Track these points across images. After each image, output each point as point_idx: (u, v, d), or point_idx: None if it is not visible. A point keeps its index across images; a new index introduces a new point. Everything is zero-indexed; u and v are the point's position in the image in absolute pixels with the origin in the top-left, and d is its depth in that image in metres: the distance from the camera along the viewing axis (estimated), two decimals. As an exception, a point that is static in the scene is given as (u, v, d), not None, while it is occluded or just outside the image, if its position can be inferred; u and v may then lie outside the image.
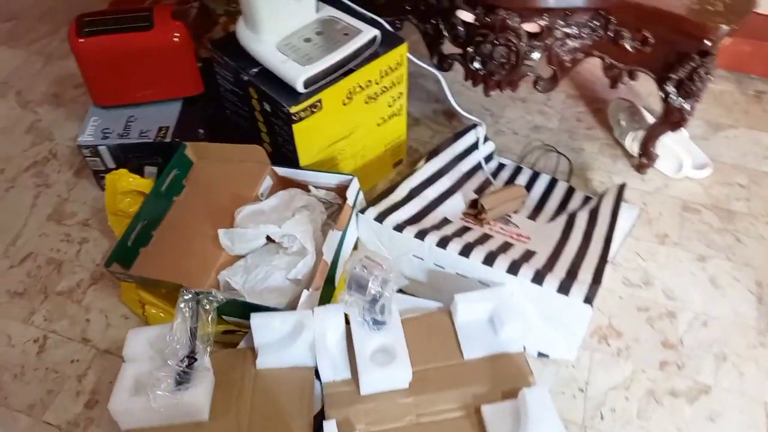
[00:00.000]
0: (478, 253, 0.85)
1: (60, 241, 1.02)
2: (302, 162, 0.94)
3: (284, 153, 0.96)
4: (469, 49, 1.02)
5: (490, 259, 0.84)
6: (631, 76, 1.00)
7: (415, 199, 0.96)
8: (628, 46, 0.96)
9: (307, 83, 0.87)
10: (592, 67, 1.32)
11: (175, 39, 1.00)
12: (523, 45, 0.99)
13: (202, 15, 1.36)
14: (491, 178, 1.10)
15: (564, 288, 0.80)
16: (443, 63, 1.09)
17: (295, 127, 0.89)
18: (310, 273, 0.84)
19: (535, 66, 1.03)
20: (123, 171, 0.94)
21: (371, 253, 0.74)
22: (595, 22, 0.96)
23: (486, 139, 1.13)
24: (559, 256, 0.89)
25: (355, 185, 0.91)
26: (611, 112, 1.20)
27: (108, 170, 1.04)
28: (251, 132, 1.01)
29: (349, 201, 0.89)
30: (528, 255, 0.89)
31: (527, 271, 0.83)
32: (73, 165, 1.13)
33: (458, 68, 1.08)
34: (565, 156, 1.17)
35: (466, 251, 0.85)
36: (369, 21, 0.98)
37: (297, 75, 0.87)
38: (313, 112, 0.89)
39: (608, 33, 0.96)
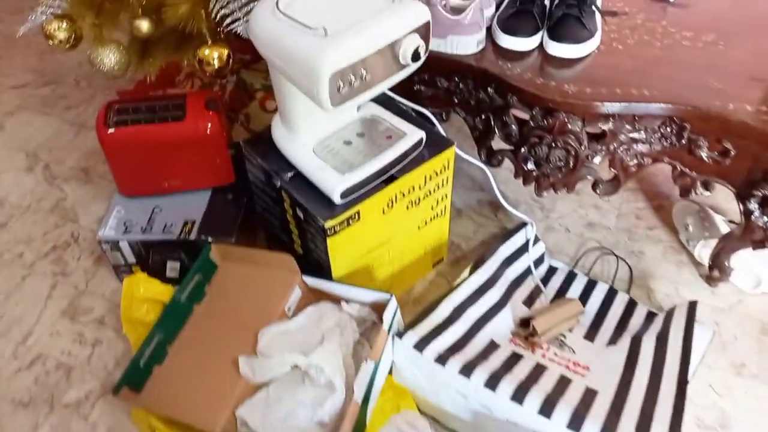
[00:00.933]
0: (534, 399, 0.74)
1: (72, 341, 0.95)
2: (335, 273, 0.86)
3: (315, 259, 0.87)
4: (523, 150, 0.93)
5: (547, 408, 0.73)
6: (706, 186, 0.89)
7: (459, 320, 0.86)
8: (704, 156, 0.85)
9: (346, 193, 0.79)
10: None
11: (208, 131, 0.94)
12: (583, 149, 0.89)
13: (239, 90, 1.31)
14: (542, 285, 0.99)
15: (635, 452, 0.69)
16: (492, 159, 1.00)
17: (330, 240, 0.80)
18: (338, 413, 0.74)
19: (596, 169, 0.93)
20: (141, 276, 0.87)
21: (411, 415, 0.63)
22: (667, 128, 0.86)
23: (536, 240, 1.03)
24: (625, 399, 0.77)
25: (392, 306, 0.81)
26: (677, 215, 1.08)
27: (128, 265, 0.98)
28: (282, 231, 0.93)
29: (385, 325, 0.80)
30: (589, 397, 0.77)
31: (592, 427, 0.71)
32: (94, 251, 1.07)
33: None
34: (624, 261, 1.05)
35: (519, 395, 0.74)
36: (412, 118, 0.90)
37: (335, 185, 0.79)
38: (349, 224, 0.81)
39: (682, 141, 0.86)
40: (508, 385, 0.75)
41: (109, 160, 0.95)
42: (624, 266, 1.05)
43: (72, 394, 0.89)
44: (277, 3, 0.69)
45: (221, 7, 0.87)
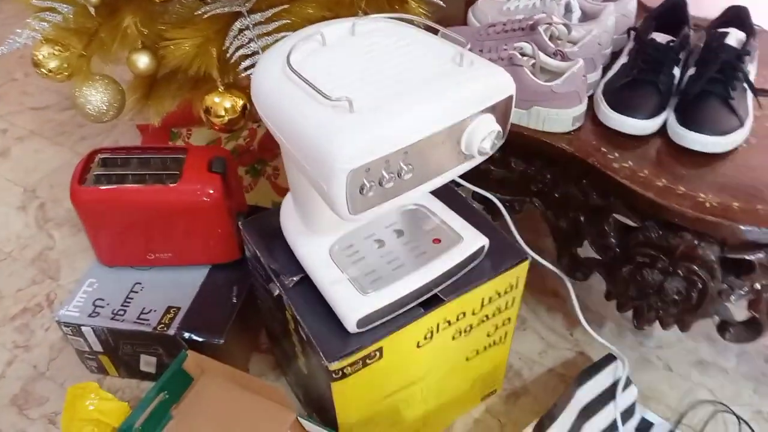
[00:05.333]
0: None
1: (12, 443, 0.76)
2: (342, 421, 0.62)
3: (319, 395, 0.64)
4: (624, 270, 0.66)
5: None
6: None
7: None
8: None
9: (365, 322, 0.56)
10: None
11: (206, 199, 0.73)
12: (715, 284, 0.62)
13: (271, 137, 1.11)
14: (630, 450, 0.72)
15: None
16: (576, 271, 0.74)
17: (335, 385, 0.57)
18: None
19: (728, 307, 0.66)
20: (91, 386, 0.66)
21: None
22: None
23: (627, 383, 0.75)
24: None
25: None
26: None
27: (94, 353, 0.78)
28: (284, 337, 0.70)
29: None
30: None
31: None
32: (66, 323, 0.88)
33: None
34: (747, 424, 0.76)
35: None
36: (473, 213, 0.65)
37: (351, 309, 0.55)
38: (367, 365, 0.57)
39: None
40: None
41: (84, 222, 0.76)
42: (747, 430, 0.75)
43: None
44: (288, 56, 0.47)
45: (237, 48, 0.67)
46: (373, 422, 0.65)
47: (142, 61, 0.71)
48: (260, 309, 0.76)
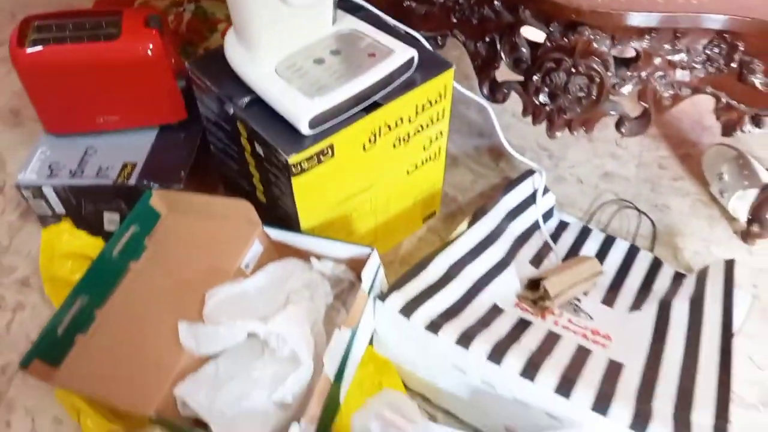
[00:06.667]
0: (548, 376, 0.59)
1: (-11, 306, 0.79)
2: (304, 224, 0.70)
3: (281, 207, 0.71)
4: (535, 78, 0.76)
5: (565, 387, 0.58)
6: (757, 122, 0.74)
7: (455, 281, 0.70)
8: (758, 84, 0.70)
9: (315, 122, 0.63)
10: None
11: (148, 53, 0.76)
12: (610, 75, 0.73)
13: (198, 19, 1.13)
14: (551, 242, 0.84)
15: (679, 441, 0.55)
16: (496, 93, 0.84)
17: (295, 180, 0.64)
18: (305, 393, 0.59)
19: (621, 102, 0.77)
20: (64, 226, 0.71)
21: (394, 396, 0.48)
22: (714, 49, 0.70)
23: (545, 191, 0.87)
24: (657, 374, 0.63)
25: (373, 262, 0.66)
26: (709, 162, 0.93)
27: (56, 216, 0.82)
28: (241, 176, 0.77)
29: (365, 285, 0.64)
30: (614, 372, 0.63)
31: (622, 409, 0.57)
32: (20, 203, 0.90)
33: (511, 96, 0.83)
34: (647, 215, 0.90)
35: (530, 371, 0.60)
36: (403, 37, 0.73)
37: (302, 111, 0.62)
38: (321, 162, 0.65)
39: (731, 65, 0.70)
40: (516, 358, 0.61)
41: (28, 88, 0.78)
42: (646, 221, 0.90)
43: (-16, 369, 0.74)
44: None
45: None
46: (331, 229, 0.73)
47: None
48: (215, 159, 0.82)
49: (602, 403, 0.57)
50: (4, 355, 0.75)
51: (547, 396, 0.58)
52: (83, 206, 0.80)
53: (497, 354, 0.61)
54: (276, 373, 0.60)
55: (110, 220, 0.82)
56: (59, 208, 0.80)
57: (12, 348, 0.75)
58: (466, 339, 0.62)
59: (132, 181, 0.78)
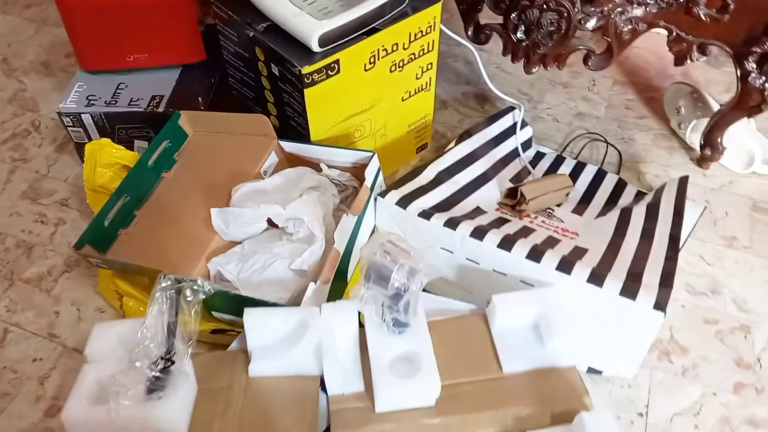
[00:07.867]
0: (522, 247, 0.70)
1: (33, 221, 0.89)
2: (314, 136, 0.81)
3: (293, 126, 0.82)
4: (513, 16, 0.88)
5: (536, 255, 0.70)
6: (702, 50, 0.86)
7: (445, 183, 0.82)
8: (702, 15, 0.82)
9: (324, 41, 0.74)
10: (644, 52, 1.19)
11: (173, -6, 0.87)
12: (576, 11, 0.85)
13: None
14: (529, 166, 0.95)
15: (628, 291, 0.66)
16: (479, 34, 0.96)
17: (308, 92, 0.75)
18: (318, 263, 0.70)
19: (588, 39, 0.89)
20: (105, 141, 0.81)
21: (395, 236, 0.59)
22: (663, -17, 0.82)
23: (524, 124, 0.99)
24: (615, 255, 0.74)
25: (374, 164, 0.77)
26: (669, 98, 1.05)
27: (92, 143, 0.92)
28: (257, 104, 0.88)
29: (367, 182, 0.75)
30: (578, 252, 0.74)
31: (582, 269, 0.68)
32: (56, 139, 1.01)
33: (493, 49, 0.95)
34: (613, 146, 1.02)
35: (506, 244, 0.71)
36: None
37: (312, 30, 0.73)
38: (329, 75, 0.76)
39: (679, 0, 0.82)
40: (495, 236, 0.72)
41: (68, 25, 0.88)
42: (613, 151, 1.01)
43: (33, 269, 0.84)
44: None
45: None
46: (336, 143, 0.84)
47: None
48: (232, 94, 0.93)
49: (566, 266, 0.68)
50: (50, 260, 0.85)
51: (521, 263, 0.70)
52: (116, 133, 0.91)
53: (479, 233, 0.72)
54: (294, 250, 0.71)
55: (140, 146, 0.93)
56: (95, 135, 0.91)
57: (56, 254, 0.86)
58: (453, 223, 0.73)
59: (160, 109, 0.88)
